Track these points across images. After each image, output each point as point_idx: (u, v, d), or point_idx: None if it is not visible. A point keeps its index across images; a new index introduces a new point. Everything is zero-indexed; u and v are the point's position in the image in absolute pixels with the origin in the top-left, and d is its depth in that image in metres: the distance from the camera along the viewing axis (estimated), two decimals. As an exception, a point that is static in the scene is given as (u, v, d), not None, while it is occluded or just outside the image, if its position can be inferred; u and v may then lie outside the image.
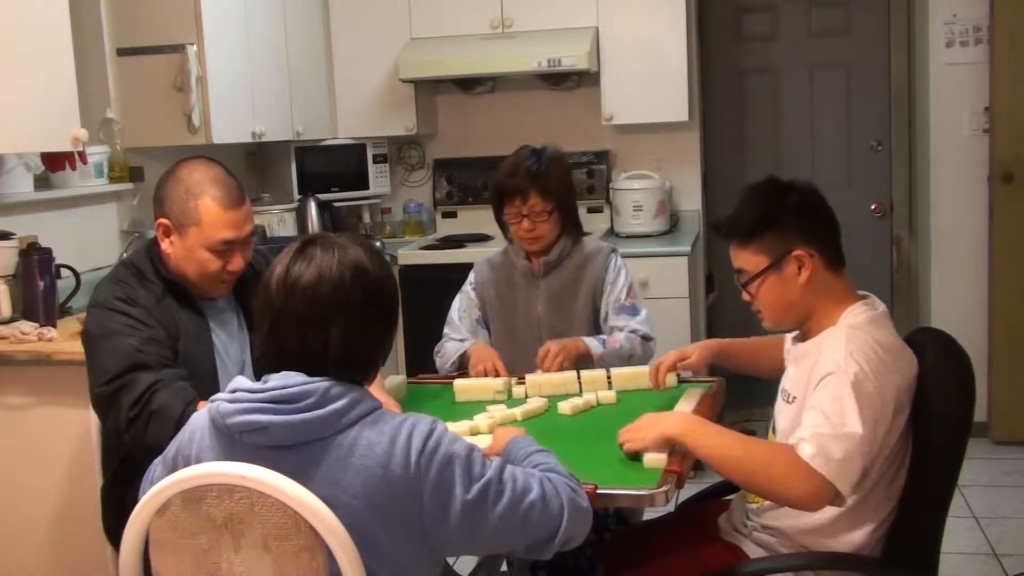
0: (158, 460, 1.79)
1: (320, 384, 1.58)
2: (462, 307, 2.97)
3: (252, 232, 2.31)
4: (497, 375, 2.64)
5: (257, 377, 1.68)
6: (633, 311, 2.85)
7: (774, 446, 2.02)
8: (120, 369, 2.14)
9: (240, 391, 1.62)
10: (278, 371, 1.62)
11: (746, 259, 2.09)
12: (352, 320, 1.62)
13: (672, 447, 2.02)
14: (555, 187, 2.82)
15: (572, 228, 2.92)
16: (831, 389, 1.91)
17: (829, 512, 1.99)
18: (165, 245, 2.28)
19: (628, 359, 2.76)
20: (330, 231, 4.74)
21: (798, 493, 1.87)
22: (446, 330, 2.95)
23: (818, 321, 2.08)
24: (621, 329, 2.82)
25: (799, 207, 2.06)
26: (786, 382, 2.15)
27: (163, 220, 2.27)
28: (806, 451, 1.87)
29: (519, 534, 1.65)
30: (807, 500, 1.88)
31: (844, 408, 1.88)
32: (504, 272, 2.96)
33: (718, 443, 1.97)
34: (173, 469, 1.68)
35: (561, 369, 2.63)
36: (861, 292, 2.12)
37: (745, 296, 2.12)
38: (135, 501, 1.66)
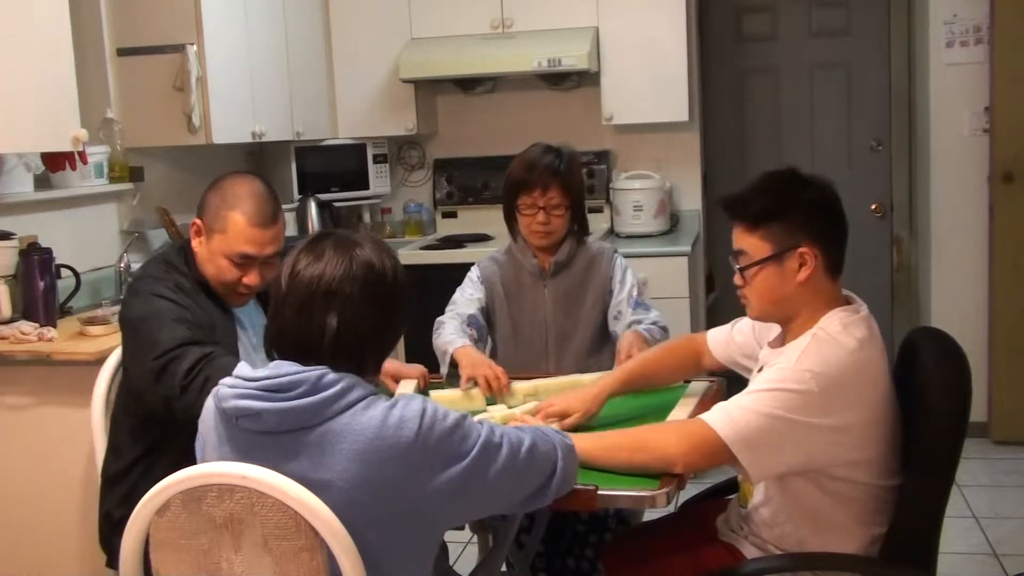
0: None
1: (312, 373, 1.61)
2: (467, 294, 2.92)
3: (276, 253, 2.35)
4: (499, 380, 2.54)
5: None
6: (647, 307, 2.85)
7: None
8: (173, 343, 2.18)
9: (239, 377, 1.68)
10: (279, 355, 1.68)
11: (750, 243, 2.04)
12: (347, 311, 1.66)
13: None
14: (574, 184, 2.84)
15: (578, 228, 2.92)
16: (761, 379, 1.97)
17: (826, 511, 1.99)
18: (195, 244, 2.37)
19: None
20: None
21: (674, 449, 1.93)
22: (449, 308, 2.89)
23: (799, 324, 2.04)
24: (640, 322, 2.79)
25: (815, 204, 2.03)
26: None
27: (196, 221, 2.37)
28: (705, 417, 1.94)
29: (520, 483, 1.74)
30: (684, 451, 1.92)
31: (760, 393, 1.92)
32: (511, 270, 2.93)
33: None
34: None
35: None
36: (845, 293, 2.09)
37: (737, 279, 2.08)
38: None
